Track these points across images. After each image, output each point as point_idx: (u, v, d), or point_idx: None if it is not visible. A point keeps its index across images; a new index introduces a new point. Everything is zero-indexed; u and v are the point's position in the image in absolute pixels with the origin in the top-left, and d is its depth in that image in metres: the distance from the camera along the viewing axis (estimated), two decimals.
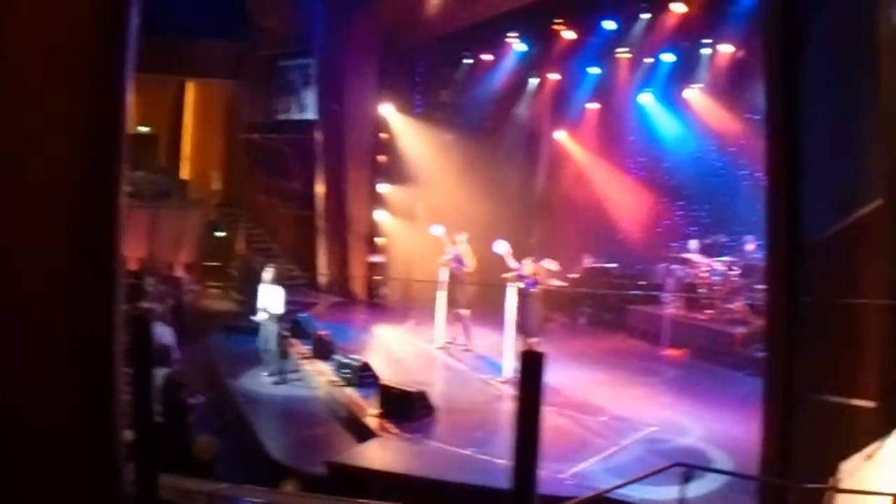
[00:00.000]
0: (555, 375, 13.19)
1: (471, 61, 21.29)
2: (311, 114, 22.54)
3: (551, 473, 9.29)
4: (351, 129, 21.41)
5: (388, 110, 21.61)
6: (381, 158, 21.83)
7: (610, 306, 18.97)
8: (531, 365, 4.60)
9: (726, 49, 17.27)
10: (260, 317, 14.94)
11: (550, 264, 14.39)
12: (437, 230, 16.70)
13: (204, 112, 25.22)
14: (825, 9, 7.24)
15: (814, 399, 7.14)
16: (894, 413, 5.57)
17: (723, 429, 11.20)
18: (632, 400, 12.78)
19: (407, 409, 11.89)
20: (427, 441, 11.23)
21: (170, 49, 21.47)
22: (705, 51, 17.82)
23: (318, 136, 21.96)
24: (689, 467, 6.57)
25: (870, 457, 5.61)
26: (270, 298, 14.80)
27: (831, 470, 5.83)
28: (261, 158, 23.56)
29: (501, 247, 14.35)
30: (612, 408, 12.28)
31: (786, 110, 7.75)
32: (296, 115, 23.29)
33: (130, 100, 5.84)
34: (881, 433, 5.62)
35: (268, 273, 15.08)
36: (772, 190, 8.08)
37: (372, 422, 11.88)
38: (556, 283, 15.86)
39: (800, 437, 7.36)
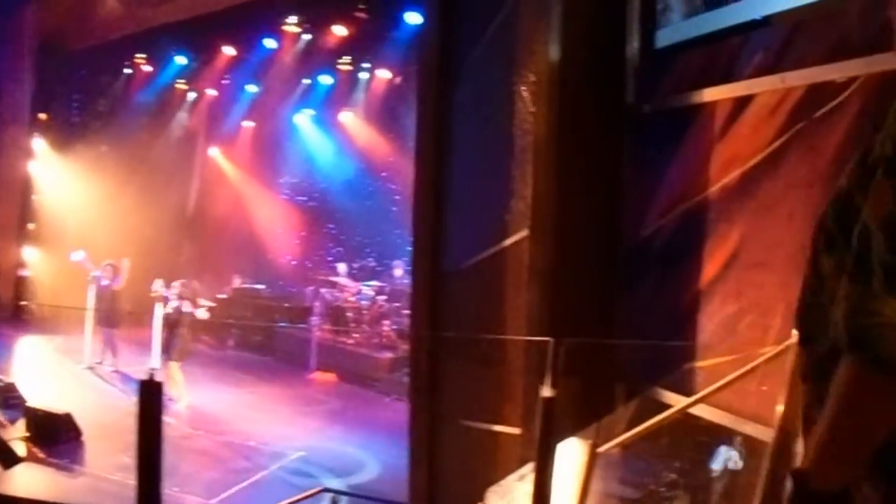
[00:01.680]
0: (201, 399, 13.08)
1: (130, 71, 20.59)
2: None
3: (201, 501, 9.21)
4: (2, 136, 20.03)
5: (43, 118, 20.63)
6: (34, 168, 20.68)
7: (259, 328, 18.69)
8: (149, 395, 4.24)
9: (384, 74, 17.66)
10: None
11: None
12: (78, 256, 16.01)
13: None
14: (481, 47, 7.46)
15: (460, 425, 7.30)
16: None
17: (372, 453, 11.28)
18: (279, 424, 12.60)
19: (53, 432, 11.25)
20: (75, 466, 10.67)
21: None
22: (363, 75, 18.14)
23: None
24: (335, 493, 6.51)
25: (521, 479, 5.77)
26: None
27: (479, 494, 5.94)
28: None
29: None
30: (259, 432, 12.02)
31: (435, 140, 7.92)
32: None
33: None
34: (527, 458, 5.80)
35: None
36: (417, 217, 8.22)
37: (19, 446, 10.96)
38: (204, 302, 15.40)
39: (447, 462, 7.50)
